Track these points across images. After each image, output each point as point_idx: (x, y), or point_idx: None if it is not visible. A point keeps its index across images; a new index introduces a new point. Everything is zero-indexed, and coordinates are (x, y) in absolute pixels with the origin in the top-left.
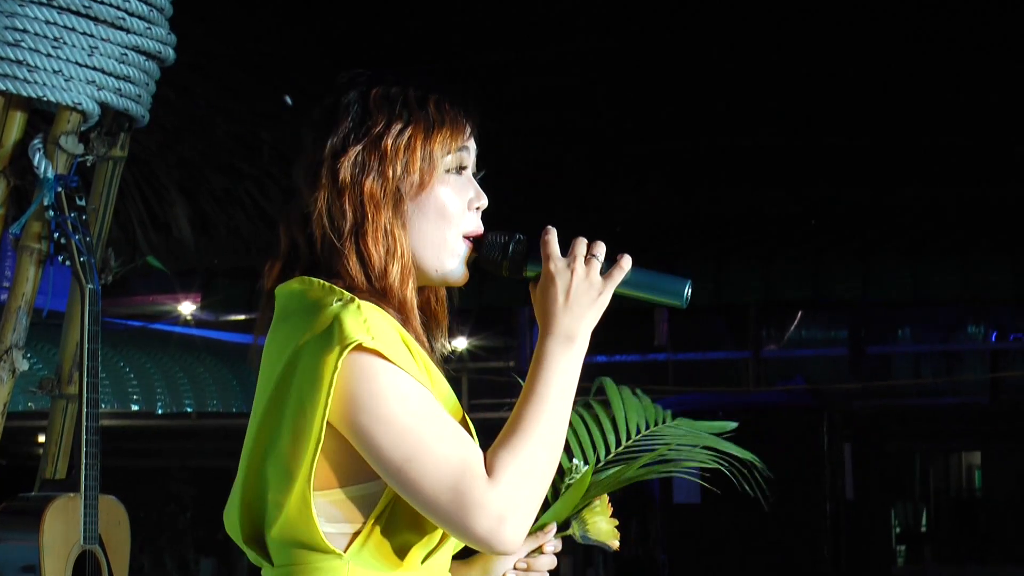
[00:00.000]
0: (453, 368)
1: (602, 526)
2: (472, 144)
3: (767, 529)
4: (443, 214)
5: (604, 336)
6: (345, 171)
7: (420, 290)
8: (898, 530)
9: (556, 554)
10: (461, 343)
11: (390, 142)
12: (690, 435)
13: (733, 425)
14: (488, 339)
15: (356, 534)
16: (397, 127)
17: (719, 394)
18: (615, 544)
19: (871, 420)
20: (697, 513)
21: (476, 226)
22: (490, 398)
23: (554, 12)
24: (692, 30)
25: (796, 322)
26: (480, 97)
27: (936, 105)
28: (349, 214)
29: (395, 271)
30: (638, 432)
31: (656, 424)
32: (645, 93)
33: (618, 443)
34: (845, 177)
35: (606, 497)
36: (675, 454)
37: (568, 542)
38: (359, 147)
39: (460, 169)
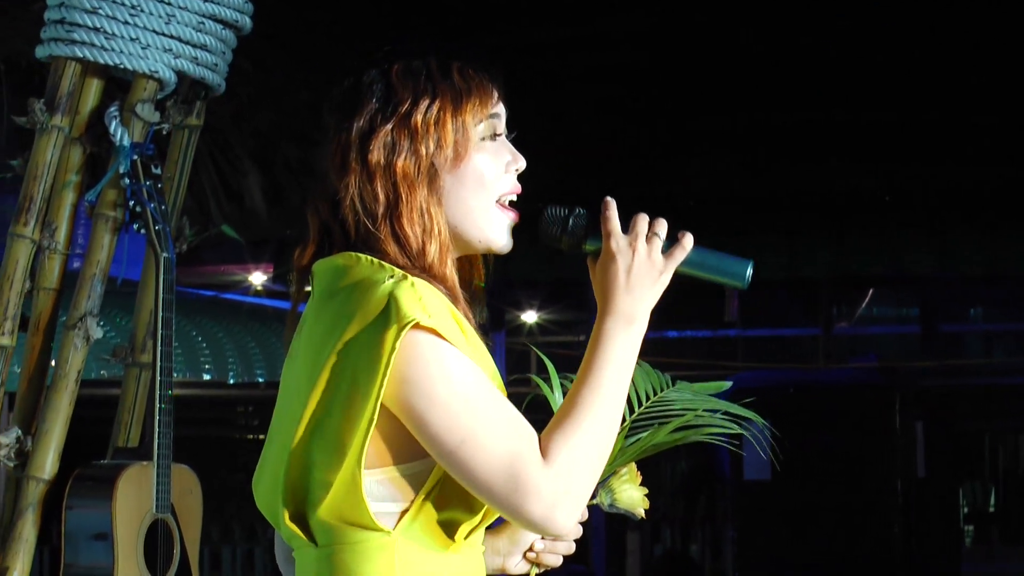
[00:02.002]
0: (521, 343)
1: (633, 494)
2: (501, 107)
3: (837, 507)
4: (482, 182)
5: (674, 311)
6: (376, 153)
7: (459, 261)
8: (966, 510)
9: (623, 530)
10: (531, 316)
11: (420, 118)
12: (697, 399)
13: (728, 384)
14: (558, 312)
15: (404, 512)
16: (425, 102)
17: (790, 371)
18: (641, 512)
19: (942, 399)
20: (767, 490)
21: (514, 186)
22: (559, 372)
23: None
24: (763, 4)
25: (867, 299)
26: (549, 71)
27: (1014, 81)
28: (382, 196)
29: (433, 250)
30: (648, 399)
31: (661, 390)
32: (716, 67)
33: (631, 411)
34: (919, 152)
35: (634, 465)
36: (700, 419)
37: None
38: (388, 127)
39: (494, 136)
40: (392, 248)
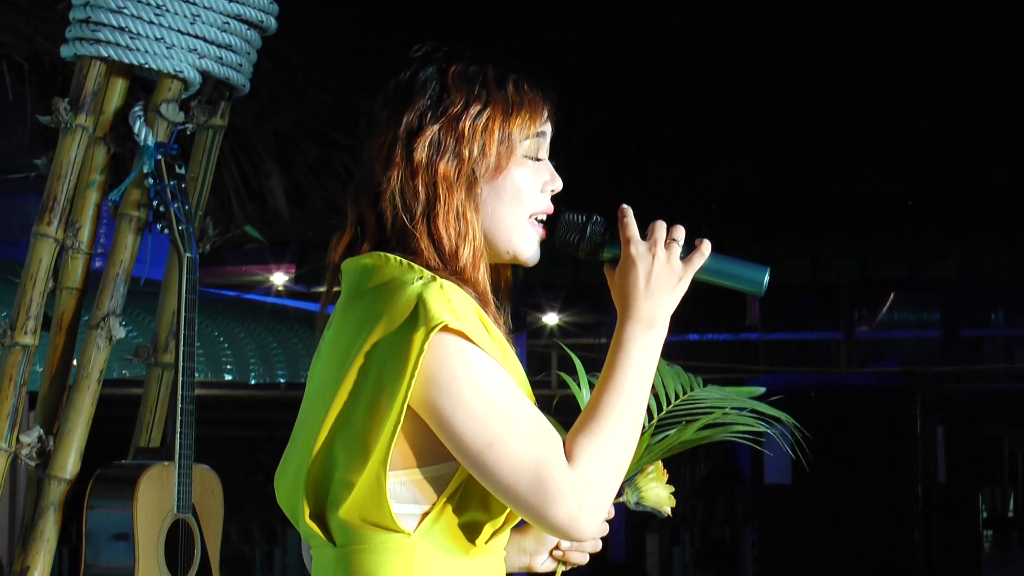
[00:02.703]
0: (543, 344)
1: (659, 492)
2: (548, 127)
3: (858, 510)
4: (518, 197)
5: (696, 315)
6: (420, 151)
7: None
8: (985, 515)
9: (642, 532)
10: (552, 318)
11: (468, 123)
12: (726, 398)
13: (761, 390)
14: (579, 315)
15: (426, 514)
16: (476, 108)
17: (811, 374)
18: (667, 510)
19: (963, 403)
20: (788, 493)
21: (547, 206)
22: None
23: None
24: (787, 5)
25: (889, 303)
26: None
27: None
28: (422, 195)
29: (466, 254)
30: (677, 398)
31: (692, 389)
32: (739, 70)
33: (659, 409)
34: (942, 157)
35: (660, 463)
36: (727, 418)
37: (652, 521)
38: (436, 127)
39: (537, 155)
40: (426, 247)
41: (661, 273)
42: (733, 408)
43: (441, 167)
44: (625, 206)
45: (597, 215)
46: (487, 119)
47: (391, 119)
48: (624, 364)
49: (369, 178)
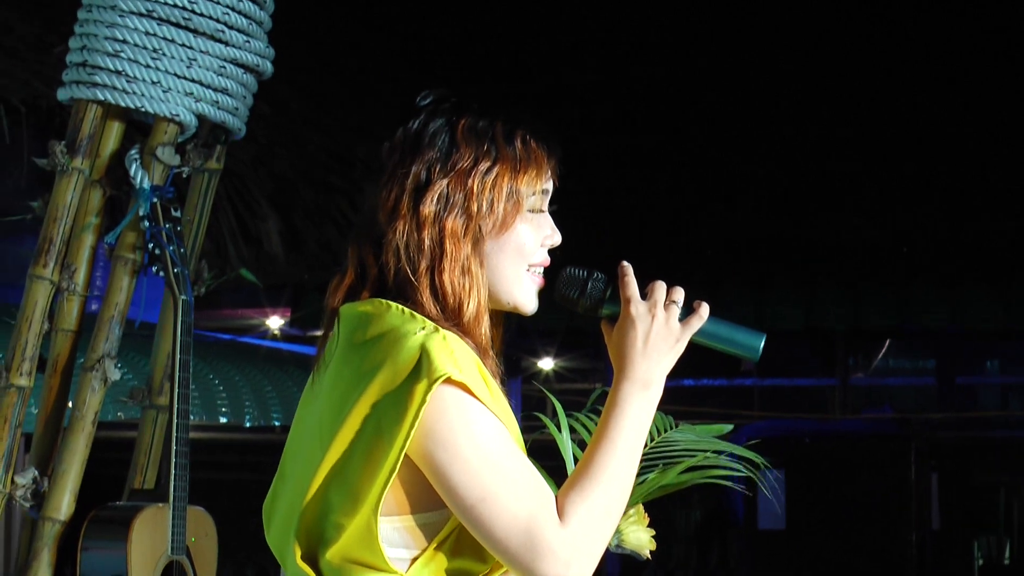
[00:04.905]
0: (537, 389)
1: (640, 535)
2: (551, 183)
3: (852, 557)
4: (521, 252)
5: (691, 360)
6: (428, 205)
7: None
8: (980, 562)
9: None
10: (547, 363)
11: (477, 180)
12: (700, 439)
13: (729, 427)
14: (574, 360)
15: (415, 559)
16: (485, 164)
17: (805, 421)
18: (647, 553)
19: (957, 451)
20: (782, 539)
21: (544, 259)
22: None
23: (641, 34)
24: (780, 55)
25: (883, 351)
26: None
27: None
28: (427, 248)
29: (471, 308)
30: (652, 440)
31: (667, 430)
32: (733, 117)
33: None
34: (935, 205)
35: (641, 506)
36: (707, 460)
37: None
38: (444, 181)
39: (540, 208)
40: (427, 299)
41: (659, 334)
42: (714, 452)
43: (449, 222)
44: (626, 264)
45: (598, 272)
46: (496, 176)
47: (398, 169)
48: (618, 423)
49: (372, 225)
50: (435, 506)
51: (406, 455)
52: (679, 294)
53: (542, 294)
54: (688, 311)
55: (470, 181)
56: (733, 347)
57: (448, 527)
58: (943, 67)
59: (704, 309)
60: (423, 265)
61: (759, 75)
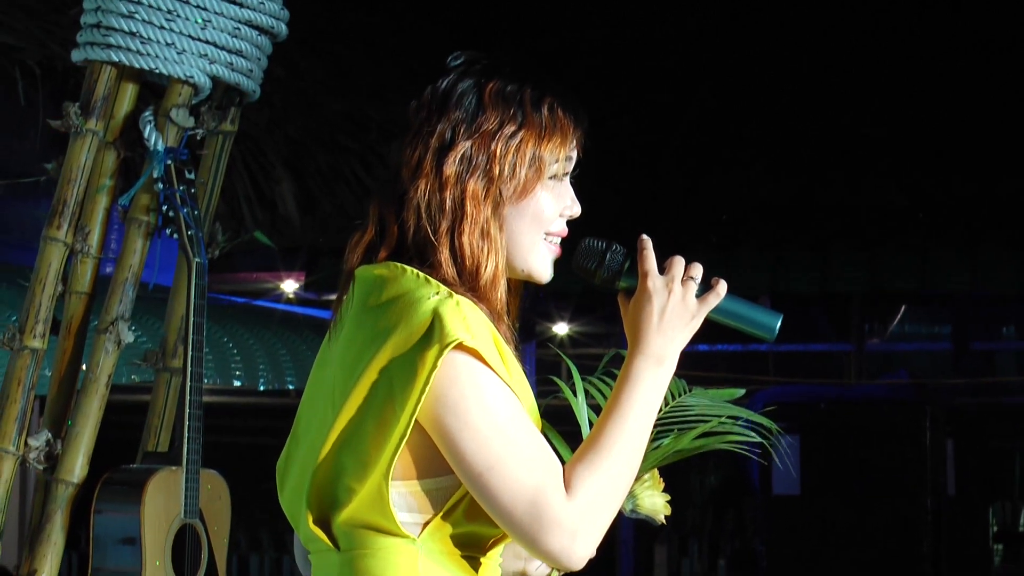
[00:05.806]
0: (552, 353)
1: (655, 500)
2: (575, 153)
3: (867, 522)
4: (539, 219)
5: (705, 325)
6: (450, 166)
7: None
8: (995, 528)
9: (650, 543)
10: (562, 328)
11: (501, 143)
12: (714, 404)
13: (742, 391)
14: (589, 325)
15: (426, 523)
16: (510, 128)
17: (821, 386)
18: (662, 518)
19: (973, 416)
20: (797, 504)
21: (562, 229)
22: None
23: None
24: (799, 15)
25: (900, 316)
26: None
27: None
28: (448, 209)
29: (488, 271)
30: (667, 404)
31: (680, 395)
32: (750, 79)
33: None
34: (954, 168)
35: (656, 471)
36: (721, 427)
37: (661, 532)
38: (468, 143)
39: (563, 175)
40: (446, 260)
41: (676, 310)
42: (729, 417)
43: (470, 184)
44: (645, 237)
45: (617, 244)
46: (520, 141)
47: (423, 127)
48: (630, 398)
49: (395, 182)
50: (443, 471)
51: (417, 420)
52: (697, 270)
53: (557, 261)
54: (706, 288)
55: (494, 144)
56: (749, 326)
57: (459, 493)
58: (965, 24)
59: (722, 286)
60: (443, 225)
61: (776, 35)
